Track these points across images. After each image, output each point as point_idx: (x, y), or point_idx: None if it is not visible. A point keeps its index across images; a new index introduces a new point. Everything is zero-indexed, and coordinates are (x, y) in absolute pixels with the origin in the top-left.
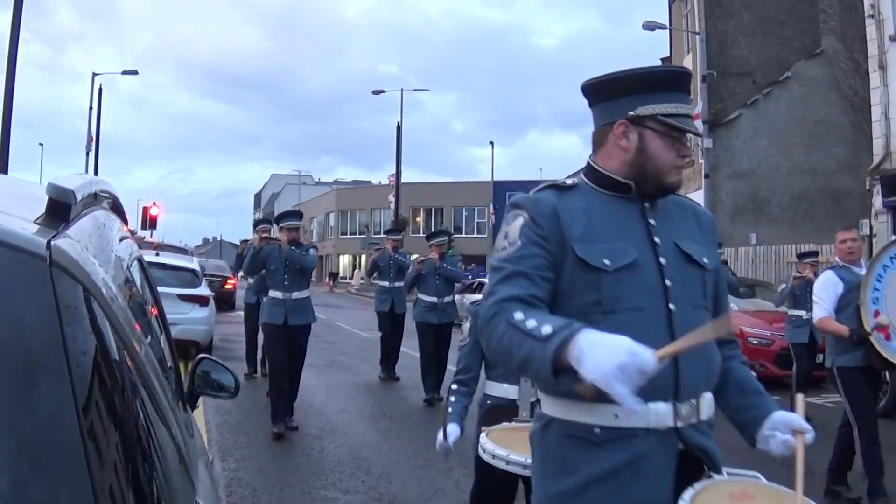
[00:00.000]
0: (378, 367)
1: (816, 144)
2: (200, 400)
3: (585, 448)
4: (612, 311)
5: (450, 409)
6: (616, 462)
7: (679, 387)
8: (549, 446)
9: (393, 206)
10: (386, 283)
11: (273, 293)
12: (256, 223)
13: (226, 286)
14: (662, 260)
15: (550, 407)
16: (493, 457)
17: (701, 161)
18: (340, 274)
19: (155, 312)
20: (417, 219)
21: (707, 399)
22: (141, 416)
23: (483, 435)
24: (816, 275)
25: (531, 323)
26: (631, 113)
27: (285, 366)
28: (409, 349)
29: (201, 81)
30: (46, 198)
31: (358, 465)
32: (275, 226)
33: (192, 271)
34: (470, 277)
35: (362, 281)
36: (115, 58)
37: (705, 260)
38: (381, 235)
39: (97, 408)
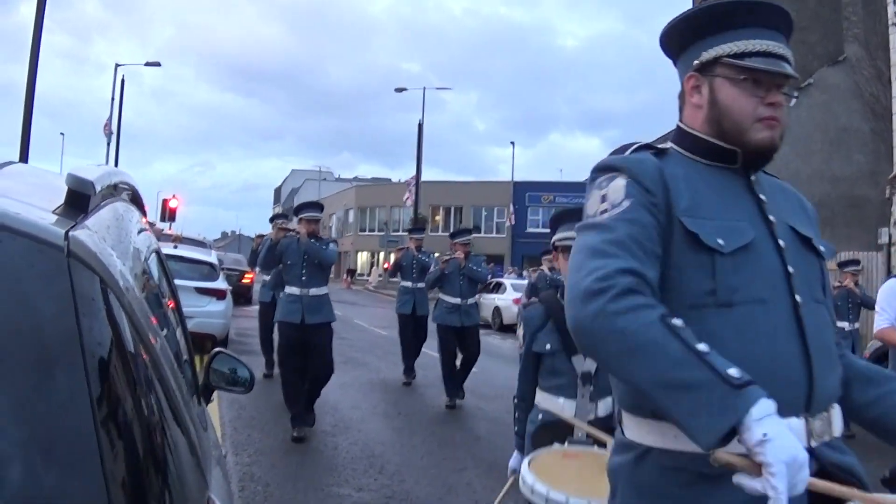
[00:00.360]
0: (395, 368)
1: (837, 152)
2: (215, 394)
3: (698, 484)
4: (729, 304)
5: (516, 429)
6: (739, 500)
7: (812, 396)
8: (645, 482)
9: (412, 204)
10: (408, 284)
11: (290, 289)
12: (273, 217)
13: (243, 280)
14: (781, 242)
15: (644, 433)
16: (532, 492)
17: None
18: (358, 271)
19: (172, 305)
20: (437, 218)
21: (837, 411)
22: (155, 409)
23: (525, 463)
24: (857, 284)
25: (702, 346)
26: (696, 62)
27: (297, 368)
28: (429, 349)
29: (222, 75)
30: (66, 188)
31: (371, 463)
32: (292, 219)
33: (210, 265)
34: (490, 277)
35: (380, 278)
36: (138, 49)
37: (822, 248)
38: (400, 233)
39: (111, 400)
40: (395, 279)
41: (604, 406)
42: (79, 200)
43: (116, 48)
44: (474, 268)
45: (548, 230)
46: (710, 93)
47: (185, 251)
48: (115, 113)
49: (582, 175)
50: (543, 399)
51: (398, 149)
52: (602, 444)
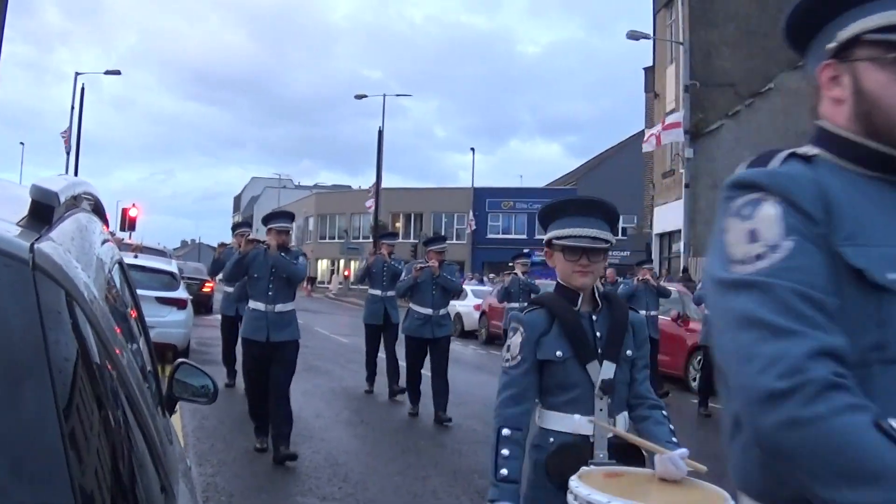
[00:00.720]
0: (357, 376)
1: None
2: (178, 404)
3: None
4: None
5: (504, 471)
6: None
7: None
8: None
9: (372, 211)
10: (378, 292)
11: (254, 304)
12: (235, 226)
13: (204, 289)
14: None
15: None
16: None
17: (681, 170)
18: (318, 278)
19: (134, 315)
20: (397, 224)
21: None
22: (122, 422)
23: (575, 480)
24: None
25: None
26: (831, 45)
27: (262, 389)
28: (400, 358)
29: (185, 82)
30: (29, 199)
31: (335, 472)
32: (250, 229)
33: (171, 274)
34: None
35: (340, 285)
36: (100, 58)
37: None
38: (361, 240)
39: (79, 414)
40: (359, 286)
41: (622, 421)
42: (43, 212)
43: (78, 56)
44: (448, 277)
45: (508, 236)
46: (854, 82)
47: (145, 261)
48: (75, 122)
49: (543, 181)
50: (552, 419)
51: (359, 156)
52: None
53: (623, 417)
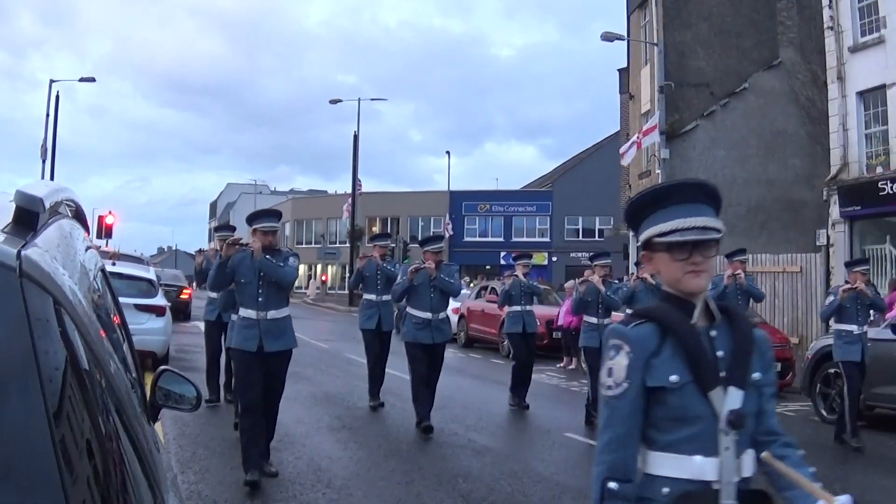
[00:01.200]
0: (337, 382)
1: (773, 155)
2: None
3: None
4: None
5: None
6: None
7: None
8: None
9: (349, 215)
10: (373, 297)
11: (244, 312)
12: (216, 229)
13: (182, 296)
14: None
15: None
16: None
17: (657, 171)
18: (296, 284)
19: (118, 322)
20: (373, 228)
21: None
22: (112, 430)
23: None
24: (870, 284)
25: None
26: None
27: (259, 402)
28: (389, 367)
29: (160, 89)
30: (13, 206)
31: (318, 478)
32: (232, 233)
33: (149, 281)
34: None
35: (318, 290)
36: (75, 65)
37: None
38: (338, 245)
39: (69, 422)
40: (338, 291)
41: (748, 462)
42: (28, 218)
43: (52, 63)
44: (446, 279)
45: (485, 239)
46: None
47: (123, 268)
48: (51, 129)
49: (517, 183)
50: (663, 462)
51: (335, 161)
52: None
53: (749, 457)
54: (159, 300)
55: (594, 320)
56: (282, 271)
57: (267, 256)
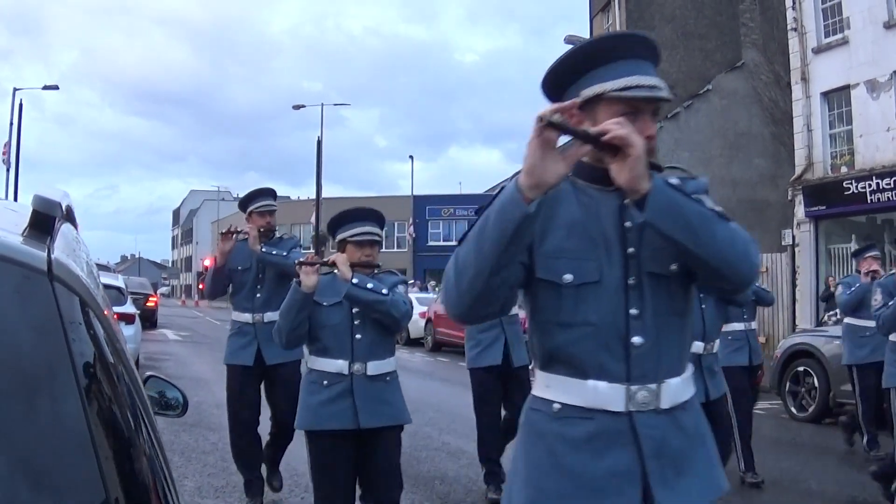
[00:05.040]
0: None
1: (737, 156)
2: None
3: None
4: None
5: None
6: None
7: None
8: None
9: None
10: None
11: (238, 316)
12: (247, 200)
13: (148, 304)
14: None
15: None
16: None
17: None
18: None
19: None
20: None
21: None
22: (142, 428)
23: None
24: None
25: None
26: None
27: (252, 424)
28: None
29: (128, 98)
30: (30, 209)
31: (295, 481)
32: (271, 202)
33: (118, 289)
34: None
35: None
36: (42, 75)
37: None
38: (302, 251)
39: (105, 423)
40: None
41: None
42: (45, 223)
43: (20, 73)
44: (278, 259)
45: (449, 243)
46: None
47: None
48: (14, 138)
49: (481, 187)
50: None
51: (301, 167)
52: None
53: None
54: (128, 308)
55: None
56: (287, 261)
57: (264, 246)
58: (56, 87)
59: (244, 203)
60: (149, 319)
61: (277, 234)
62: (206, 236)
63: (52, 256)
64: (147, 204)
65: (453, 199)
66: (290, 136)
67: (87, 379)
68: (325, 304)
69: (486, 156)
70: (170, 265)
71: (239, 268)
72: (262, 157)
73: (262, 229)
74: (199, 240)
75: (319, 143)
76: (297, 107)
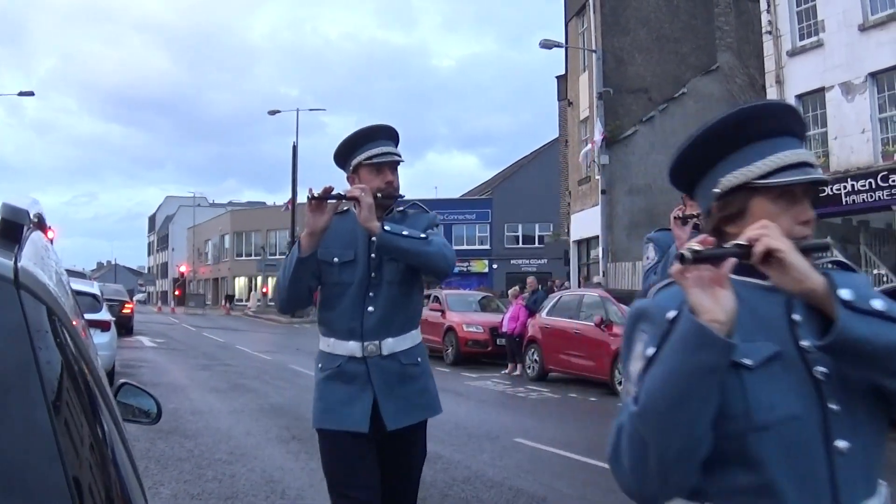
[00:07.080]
0: (283, 393)
1: None
2: None
3: None
4: None
5: None
6: None
7: None
8: None
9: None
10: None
11: (333, 344)
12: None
13: (124, 310)
14: None
15: None
16: None
17: (598, 177)
18: (236, 296)
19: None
20: None
21: None
22: (109, 436)
23: None
24: None
25: None
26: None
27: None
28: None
29: (106, 104)
30: None
31: (272, 489)
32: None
33: (93, 296)
34: None
35: (259, 302)
36: (20, 82)
37: None
38: (278, 257)
39: (71, 431)
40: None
41: None
42: (13, 231)
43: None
44: None
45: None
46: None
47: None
48: None
49: (457, 192)
50: None
51: (279, 173)
52: None
53: None
54: (104, 315)
55: None
56: (426, 249)
57: (385, 224)
58: (32, 94)
59: (344, 152)
60: (124, 326)
61: (397, 208)
62: (182, 243)
63: (19, 265)
64: (125, 210)
65: (429, 204)
66: (268, 142)
67: (54, 387)
68: (336, 260)
69: (463, 161)
70: (146, 272)
71: (336, 260)
72: (240, 163)
73: (379, 194)
74: (175, 246)
75: (295, 148)
76: (272, 112)
